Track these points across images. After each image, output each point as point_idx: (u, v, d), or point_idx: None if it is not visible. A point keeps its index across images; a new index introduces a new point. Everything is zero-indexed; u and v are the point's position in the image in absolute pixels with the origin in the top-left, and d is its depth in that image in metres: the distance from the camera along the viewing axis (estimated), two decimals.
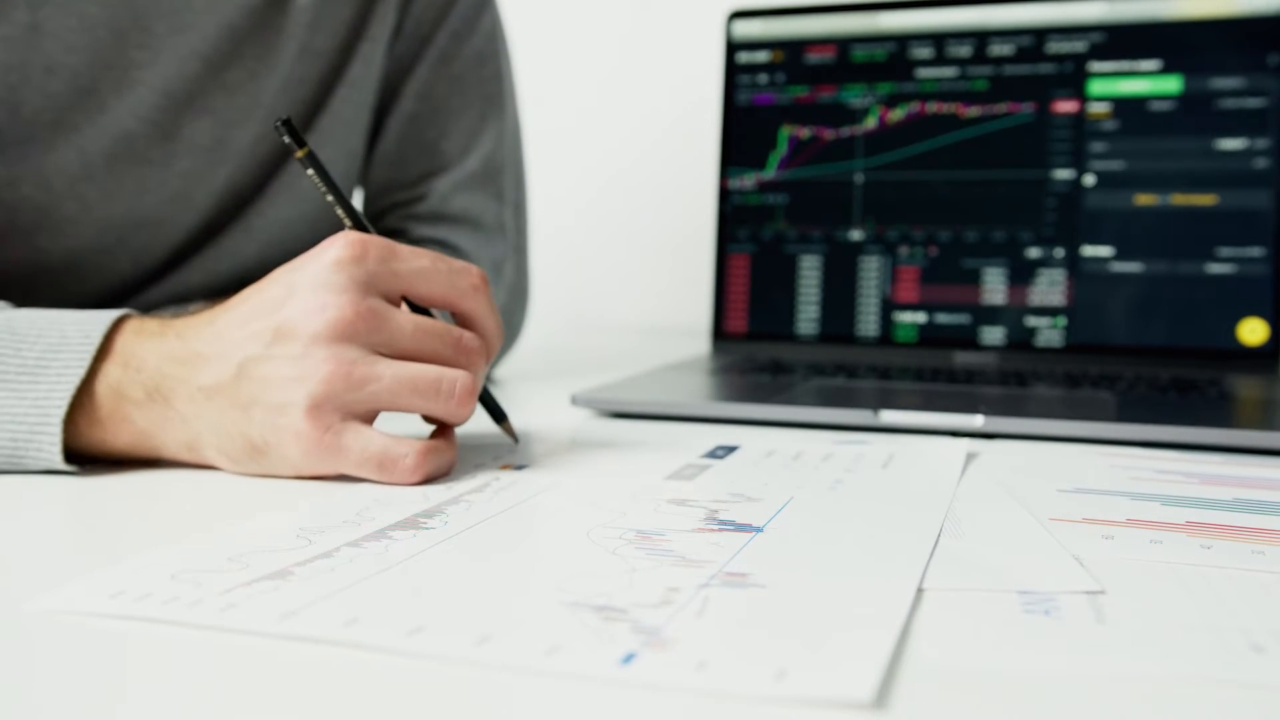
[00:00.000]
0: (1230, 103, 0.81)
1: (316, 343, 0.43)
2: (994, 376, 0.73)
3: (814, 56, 0.91)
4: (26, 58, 0.59)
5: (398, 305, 0.45)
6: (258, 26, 0.66)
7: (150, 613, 0.28)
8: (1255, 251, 0.80)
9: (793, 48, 0.91)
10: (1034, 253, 0.84)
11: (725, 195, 0.92)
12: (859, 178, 0.89)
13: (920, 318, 0.86)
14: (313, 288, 0.43)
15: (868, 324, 0.88)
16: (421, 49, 0.76)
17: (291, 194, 0.72)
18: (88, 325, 0.45)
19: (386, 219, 0.78)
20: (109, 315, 0.45)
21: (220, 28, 0.65)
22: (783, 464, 0.48)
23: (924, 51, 0.88)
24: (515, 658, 0.25)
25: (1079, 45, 0.85)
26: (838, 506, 0.40)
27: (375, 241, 0.45)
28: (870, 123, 0.89)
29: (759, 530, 0.36)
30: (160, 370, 0.44)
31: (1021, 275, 0.84)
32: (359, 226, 0.48)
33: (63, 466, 0.44)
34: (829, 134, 0.90)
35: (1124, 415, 0.57)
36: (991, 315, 0.85)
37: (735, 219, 0.92)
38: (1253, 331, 0.79)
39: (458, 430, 0.49)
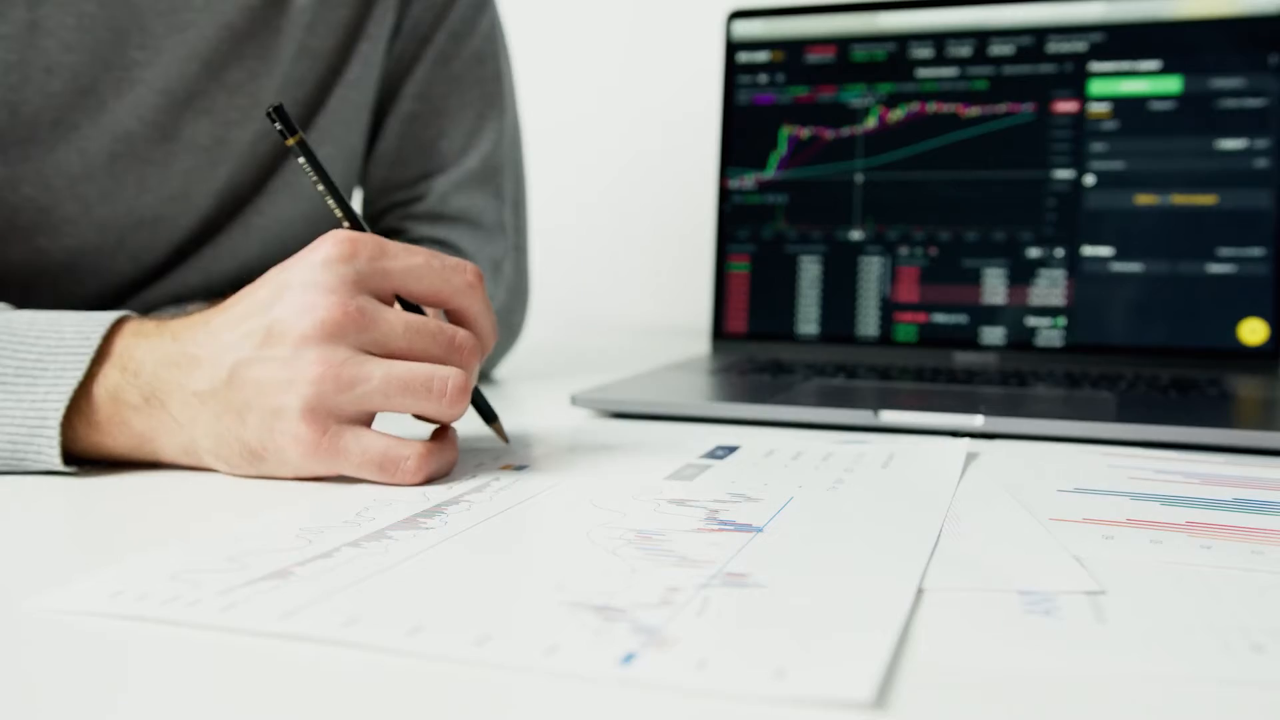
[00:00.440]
0: (1230, 103, 0.81)
1: (305, 344, 0.42)
2: (994, 376, 0.73)
3: (814, 56, 0.91)
4: (26, 57, 0.59)
5: (390, 304, 0.45)
6: (256, 26, 0.66)
7: (150, 612, 0.28)
8: (1255, 251, 0.80)
9: (793, 48, 0.91)
10: (1034, 253, 0.84)
11: (725, 195, 0.92)
12: (859, 178, 0.89)
13: (920, 317, 0.86)
14: (302, 287, 0.43)
15: (868, 324, 0.88)
16: (420, 49, 0.76)
17: (291, 193, 0.72)
18: (86, 327, 0.45)
19: (386, 219, 0.78)
20: (107, 317, 0.45)
21: (219, 28, 0.65)
22: (783, 464, 0.48)
23: (924, 51, 0.88)
24: (515, 657, 0.25)
25: (1079, 45, 0.85)
26: (838, 506, 0.40)
27: (365, 239, 0.44)
28: (870, 123, 0.89)
29: (759, 530, 0.36)
30: (156, 374, 0.44)
31: (1021, 275, 0.84)
32: (350, 217, 0.48)
33: (61, 468, 0.44)
34: (829, 134, 0.90)
35: (1124, 415, 0.57)
36: (991, 315, 0.85)
37: (735, 219, 0.92)
38: (1253, 331, 0.79)
39: (457, 430, 0.48)
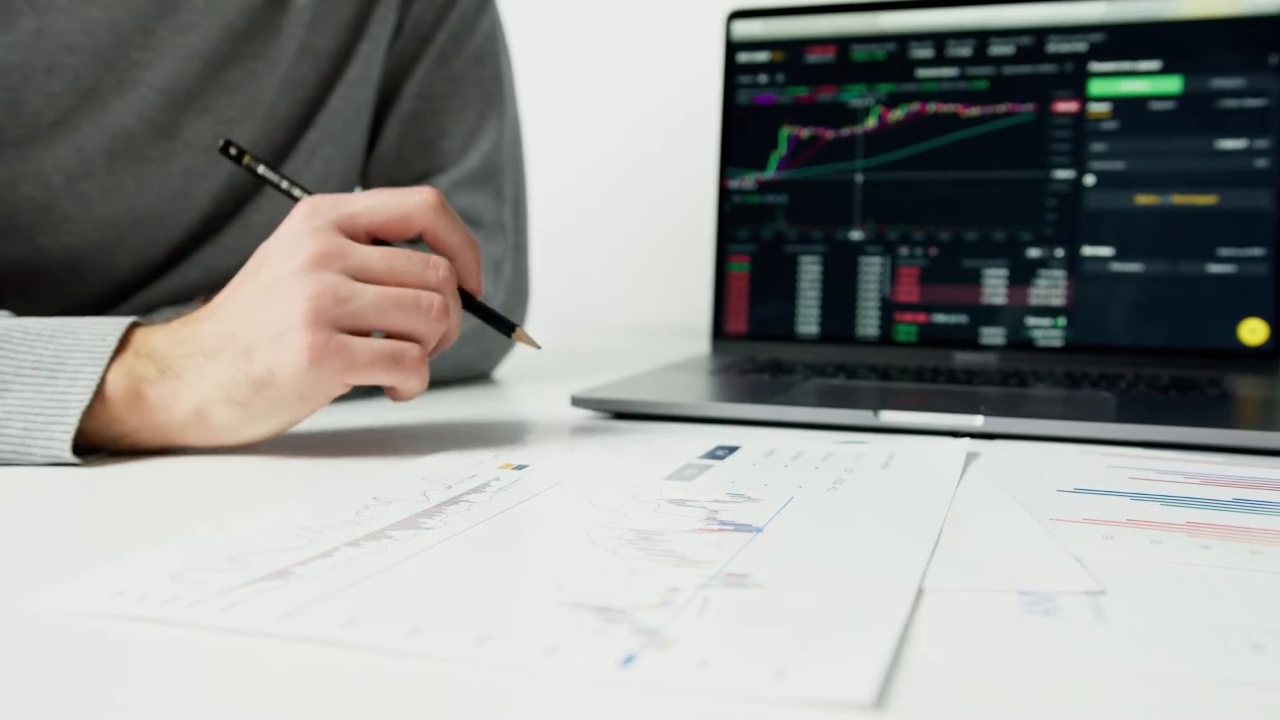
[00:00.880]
0: (1230, 103, 0.81)
1: (296, 275, 0.46)
2: (994, 376, 0.73)
3: (814, 56, 0.91)
4: (27, 58, 0.59)
5: (364, 244, 0.49)
6: (257, 26, 0.66)
7: (150, 612, 0.28)
8: (1255, 251, 0.80)
9: (793, 48, 0.91)
10: (1034, 253, 0.84)
11: (725, 195, 0.92)
12: (859, 178, 0.89)
13: (920, 317, 0.86)
14: (282, 244, 0.48)
15: (868, 324, 0.88)
16: (421, 49, 0.76)
17: None
18: (102, 329, 0.47)
19: None
20: (122, 320, 0.48)
21: (221, 28, 0.65)
22: (783, 464, 0.48)
23: (924, 51, 0.88)
24: (515, 658, 0.25)
25: (1079, 45, 0.85)
26: (838, 506, 0.40)
27: (324, 196, 0.49)
28: (870, 123, 0.89)
29: (759, 530, 0.36)
30: (168, 351, 0.47)
31: (1021, 275, 0.84)
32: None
33: (68, 458, 0.45)
34: (829, 134, 0.90)
35: (1124, 415, 0.57)
36: (991, 315, 0.85)
37: (735, 219, 0.92)
38: (1253, 331, 0.79)
39: (459, 430, 0.50)
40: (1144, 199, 0.82)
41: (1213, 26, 0.82)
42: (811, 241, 0.89)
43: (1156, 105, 0.82)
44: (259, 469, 0.47)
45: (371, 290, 0.47)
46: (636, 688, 0.24)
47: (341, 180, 0.76)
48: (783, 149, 0.91)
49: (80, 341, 0.47)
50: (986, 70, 0.86)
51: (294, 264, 0.46)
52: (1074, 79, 0.84)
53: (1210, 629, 0.28)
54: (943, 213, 0.87)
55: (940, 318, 0.86)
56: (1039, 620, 0.28)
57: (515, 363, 0.87)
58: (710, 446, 0.52)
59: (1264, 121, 0.80)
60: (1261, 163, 0.80)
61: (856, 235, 0.88)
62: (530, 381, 0.80)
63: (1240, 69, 0.81)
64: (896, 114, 0.88)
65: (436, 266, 0.49)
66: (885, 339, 0.87)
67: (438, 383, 0.76)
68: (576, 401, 0.62)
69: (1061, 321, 0.83)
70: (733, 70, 0.93)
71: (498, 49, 0.80)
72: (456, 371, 0.77)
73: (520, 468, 0.47)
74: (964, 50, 0.87)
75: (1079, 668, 0.25)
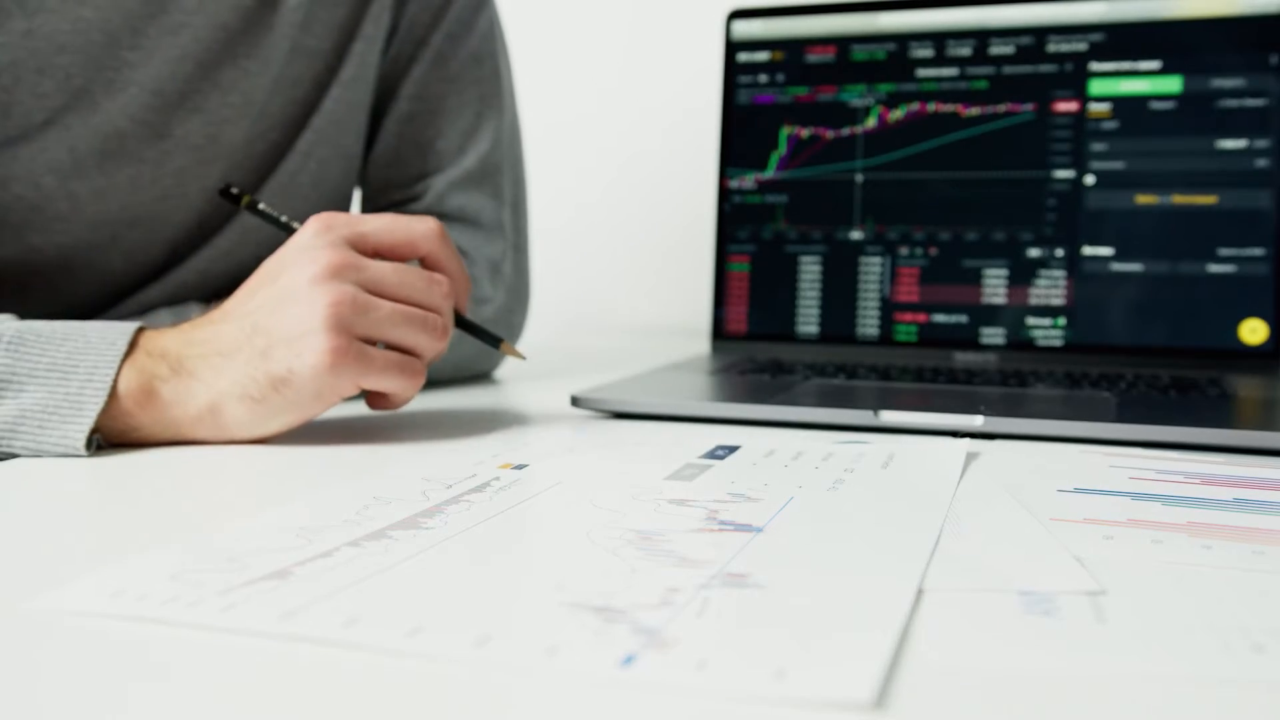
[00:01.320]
0: (1230, 102, 0.81)
1: (316, 282, 0.49)
2: (994, 376, 0.73)
3: (814, 56, 0.91)
4: (18, 58, 0.59)
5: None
6: (249, 25, 0.66)
7: (150, 613, 0.28)
8: (1256, 251, 0.80)
9: (793, 47, 0.91)
10: (1034, 253, 0.84)
11: (725, 195, 0.92)
12: (859, 178, 0.89)
13: (920, 317, 0.86)
14: (296, 256, 0.50)
15: (868, 324, 0.88)
16: (417, 50, 0.76)
17: (285, 194, 0.72)
18: (110, 334, 0.50)
19: None
20: (130, 325, 0.51)
21: (213, 28, 0.65)
22: (783, 464, 0.48)
23: (924, 51, 0.88)
24: (515, 658, 0.25)
25: (1079, 45, 0.85)
26: (838, 506, 0.40)
27: (336, 214, 0.52)
28: (870, 122, 0.89)
29: (759, 530, 0.36)
30: (181, 351, 0.50)
31: (1022, 275, 0.84)
32: None
33: (81, 452, 0.47)
34: (829, 134, 0.90)
35: (1124, 415, 0.57)
36: (991, 315, 0.85)
37: (735, 219, 0.92)
38: (1253, 331, 0.79)
39: (459, 431, 0.51)
40: (1144, 199, 0.82)
41: (1213, 26, 0.82)
42: (811, 241, 0.89)
43: (1156, 105, 0.82)
44: (259, 469, 0.47)
45: (387, 305, 0.50)
46: (636, 688, 0.24)
47: (339, 181, 0.76)
48: (783, 149, 0.91)
49: (90, 344, 0.49)
50: (986, 70, 0.86)
51: (312, 272, 0.49)
52: (1074, 79, 0.84)
53: (1210, 629, 0.28)
54: (943, 213, 0.87)
55: (940, 318, 0.86)
56: (1039, 620, 0.28)
57: (515, 362, 0.87)
58: (710, 446, 0.52)
59: (1264, 121, 0.80)
60: (1261, 163, 0.80)
61: (856, 235, 0.88)
62: (530, 381, 0.80)
63: (1240, 69, 0.81)
64: (896, 114, 0.88)
65: (440, 284, 0.53)
66: (885, 339, 0.87)
67: (438, 383, 0.76)
68: (576, 401, 0.62)
69: (1061, 321, 0.83)
70: (733, 70, 0.93)
71: (495, 49, 0.80)
72: (456, 371, 0.77)
73: (520, 468, 0.47)
74: (964, 50, 0.87)
75: (1079, 668, 0.25)
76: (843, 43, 0.90)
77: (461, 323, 0.58)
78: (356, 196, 0.82)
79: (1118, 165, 0.83)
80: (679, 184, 1.30)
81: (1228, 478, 0.46)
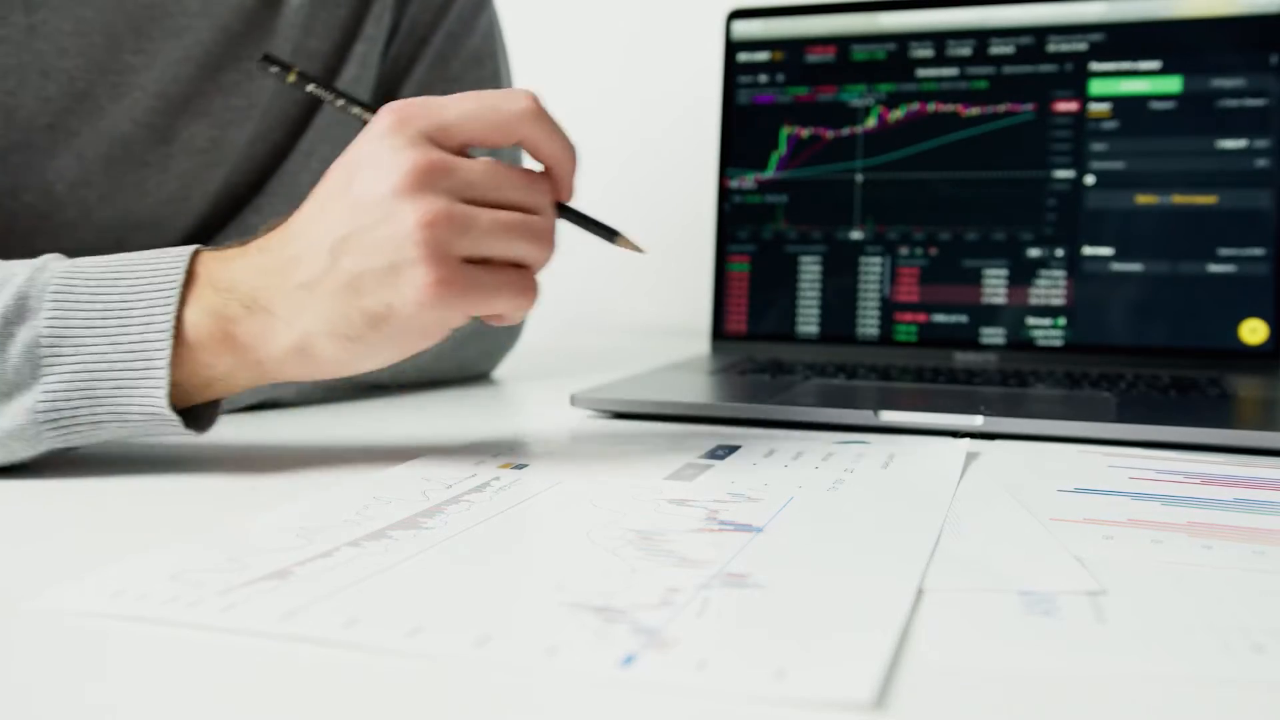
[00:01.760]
0: (1231, 102, 0.81)
1: (401, 195, 0.41)
2: (994, 376, 0.73)
3: (814, 56, 0.91)
4: (22, 61, 0.59)
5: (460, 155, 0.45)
6: (251, 28, 0.66)
7: (150, 613, 0.28)
8: (1256, 251, 0.80)
9: (793, 47, 0.91)
10: (1034, 253, 0.84)
11: (725, 195, 0.92)
12: (859, 178, 0.89)
13: (920, 317, 0.86)
14: (372, 160, 0.42)
15: (868, 324, 0.87)
16: (418, 50, 0.76)
17: (289, 193, 0.72)
18: (164, 261, 0.44)
19: None
20: (184, 249, 0.44)
21: (215, 31, 0.65)
22: (783, 464, 0.48)
23: (924, 51, 0.88)
24: (515, 658, 0.25)
25: (1079, 45, 0.85)
26: (838, 506, 0.40)
27: (413, 103, 0.44)
28: (870, 122, 0.89)
29: (759, 530, 0.36)
30: (253, 284, 0.43)
31: (1022, 275, 0.84)
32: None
33: (168, 414, 0.42)
34: (829, 134, 0.90)
35: (1124, 415, 0.57)
36: (991, 315, 0.85)
37: (735, 219, 0.92)
38: (1253, 331, 0.79)
39: (459, 430, 0.49)
40: (1144, 199, 0.82)
41: (1213, 26, 0.82)
42: (811, 241, 0.89)
43: (1156, 105, 0.82)
44: (259, 469, 0.47)
45: (486, 216, 0.43)
46: (636, 688, 0.24)
47: None
48: (783, 149, 0.91)
49: (142, 277, 0.43)
50: (986, 70, 0.86)
51: (393, 182, 0.41)
52: (1074, 79, 0.84)
53: (1210, 629, 0.28)
54: (943, 213, 0.87)
55: (940, 318, 0.86)
56: (1039, 620, 0.28)
57: (515, 363, 0.87)
58: (710, 446, 0.52)
59: (1264, 121, 0.80)
60: (1261, 163, 0.80)
61: (856, 235, 0.88)
62: (530, 381, 0.80)
63: (1240, 69, 0.81)
64: (896, 114, 0.88)
65: (541, 182, 0.46)
66: (885, 339, 0.87)
67: (438, 383, 0.76)
68: (576, 401, 0.62)
69: (1061, 321, 0.83)
70: (733, 70, 0.93)
71: (496, 49, 0.80)
72: (457, 371, 0.77)
73: (520, 468, 0.47)
74: (964, 50, 0.87)
75: (1079, 668, 0.25)
76: (843, 43, 0.90)
77: (567, 212, 0.50)
78: None
79: (1118, 165, 0.83)
80: (679, 184, 1.30)
81: (1228, 478, 0.46)
